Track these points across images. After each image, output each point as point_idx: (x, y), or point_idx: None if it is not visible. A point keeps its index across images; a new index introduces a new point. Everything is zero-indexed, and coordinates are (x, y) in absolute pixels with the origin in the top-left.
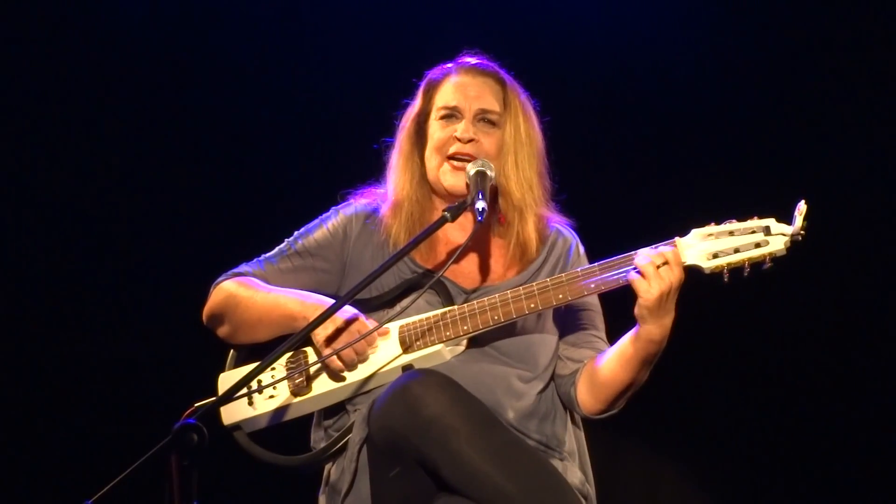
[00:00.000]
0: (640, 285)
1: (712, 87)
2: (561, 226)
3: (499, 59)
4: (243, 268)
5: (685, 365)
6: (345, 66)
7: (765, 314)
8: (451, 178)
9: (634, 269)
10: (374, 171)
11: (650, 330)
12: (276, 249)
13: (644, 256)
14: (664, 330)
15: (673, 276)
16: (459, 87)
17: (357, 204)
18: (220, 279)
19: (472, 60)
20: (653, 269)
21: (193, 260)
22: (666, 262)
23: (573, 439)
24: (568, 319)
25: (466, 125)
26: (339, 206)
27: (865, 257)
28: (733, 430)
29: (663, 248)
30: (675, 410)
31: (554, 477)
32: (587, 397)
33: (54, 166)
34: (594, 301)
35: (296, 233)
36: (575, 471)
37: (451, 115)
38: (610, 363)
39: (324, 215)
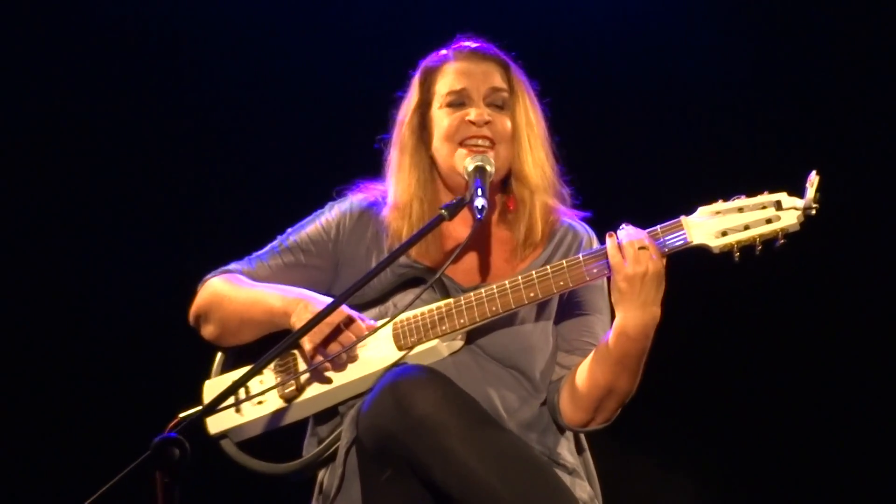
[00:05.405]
0: (615, 258)
1: (715, 59)
2: (574, 220)
3: (494, 39)
4: (233, 265)
5: (697, 377)
6: (339, 61)
7: (782, 318)
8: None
9: (617, 239)
10: (369, 167)
11: (626, 321)
12: (268, 247)
13: (627, 234)
14: (643, 327)
15: (651, 263)
16: (463, 72)
17: (352, 200)
18: (207, 276)
19: (472, 45)
20: (633, 249)
21: (184, 260)
22: (644, 248)
23: (577, 453)
24: (566, 322)
25: (480, 108)
26: (334, 201)
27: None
28: (749, 447)
29: (646, 235)
30: (687, 424)
31: (554, 481)
32: (568, 405)
33: (38, 165)
34: (598, 303)
35: (288, 230)
36: (584, 485)
37: (459, 100)
38: (588, 363)
39: (318, 211)
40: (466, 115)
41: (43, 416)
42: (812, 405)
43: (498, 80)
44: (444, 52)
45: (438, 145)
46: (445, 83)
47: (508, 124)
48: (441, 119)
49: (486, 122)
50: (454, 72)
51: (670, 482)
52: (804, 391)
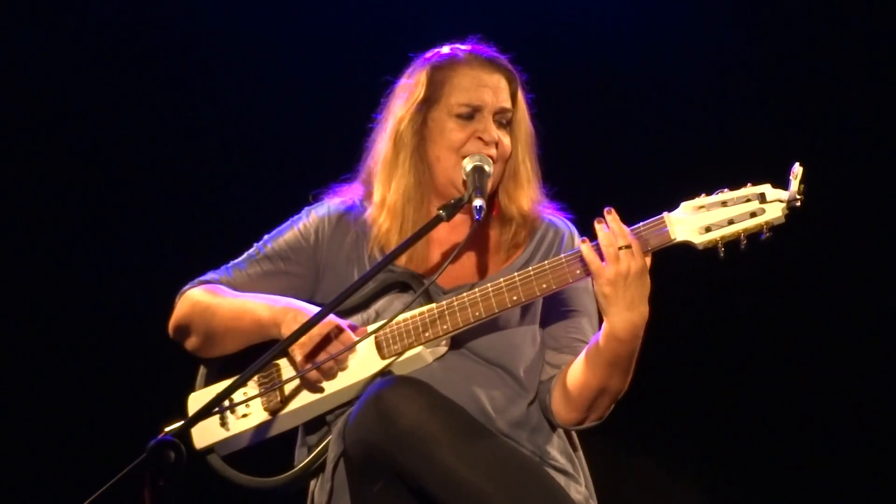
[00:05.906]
0: (593, 263)
1: (693, 50)
2: (555, 216)
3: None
4: (210, 275)
5: (690, 376)
6: (311, 63)
7: (772, 313)
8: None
9: (594, 242)
10: (346, 170)
11: (614, 324)
12: (245, 254)
13: (606, 235)
14: (631, 328)
15: (632, 262)
16: (479, 84)
17: (330, 203)
18: (185, 288)
19: (486, 52)
20: (613, 250)
21: (159, 269)
22: (628, 246)
23: (571, 453)
24: (553, 322)
25: (491, 127)
26: (311, 206)
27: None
28: (743, 445)
29: (622, 233)
30: (681, 423)
31: (548, 482)
32: (560, 404)
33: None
34: (584, 301)
35: (265, 236)
36: (579, 487)
37: (470, 113)
38: (579, 364)
39: (295, 217)
40: (477, 133)
41: (37, 420)
42: (804, 400)
43: (507, 99)
44: (454, 50)
45: (441, 154)
46: (461, 92)
47: (509, 143)
48: (450, 130)
49: (495, 143)
50: (470, 83)
51: (665, 482)
52: (796, 387)
